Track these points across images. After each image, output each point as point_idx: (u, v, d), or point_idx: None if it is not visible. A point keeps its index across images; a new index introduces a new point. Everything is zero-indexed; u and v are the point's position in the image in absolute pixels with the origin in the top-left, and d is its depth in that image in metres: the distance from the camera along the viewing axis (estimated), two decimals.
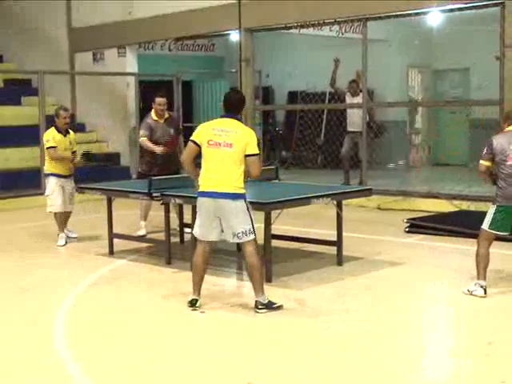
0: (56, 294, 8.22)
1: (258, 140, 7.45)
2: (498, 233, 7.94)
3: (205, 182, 7.25)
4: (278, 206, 8.36)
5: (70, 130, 11.41)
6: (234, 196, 7.13)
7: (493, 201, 8.02)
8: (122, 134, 18.24)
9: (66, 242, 11.04)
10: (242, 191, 7.18)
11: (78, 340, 6.66)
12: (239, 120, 7.38)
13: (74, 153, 11.32)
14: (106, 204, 10.21)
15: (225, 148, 7.12)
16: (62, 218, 11.17)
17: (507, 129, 7.92)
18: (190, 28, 17.06)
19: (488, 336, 6.51)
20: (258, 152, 7.21)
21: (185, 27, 17.07)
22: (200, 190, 7.30)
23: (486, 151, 7.87)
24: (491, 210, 7.95)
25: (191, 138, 7.37)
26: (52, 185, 11.07)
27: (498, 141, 7.81)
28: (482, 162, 7.93)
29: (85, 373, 5.82)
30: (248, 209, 7.23)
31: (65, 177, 11.16)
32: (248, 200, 7.36)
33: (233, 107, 7.39)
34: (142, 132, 11.30)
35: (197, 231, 7.44)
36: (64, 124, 11.16)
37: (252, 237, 7.26)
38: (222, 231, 7.32)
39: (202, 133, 7.31)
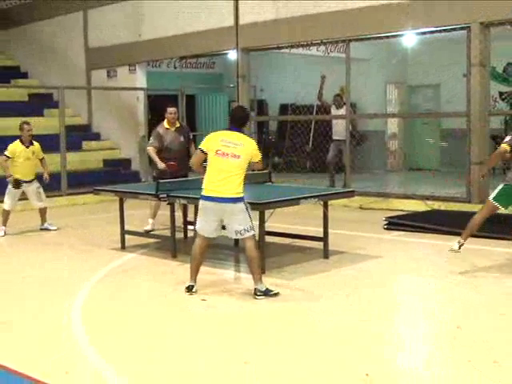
0: (73, 283, 8.16)
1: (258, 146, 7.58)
2: (498, 205, 8.13)
3: (208, 186, 7.30)
4: (270, 206, 8.35)
5: (35, 142, 11.77)
6: (235, 200, 7.20)
7: (503, 180, 8.17)
8: (132, 141, 18.20)
9: (5, 233, 11.51)
10: (242, 195, 7.26)
11: (93, 324, 6.61)
12: (243, 133, 7.45)
13: (42, 159, 11.80)
14: (119, 204, 10.18)
15: (233, 158, 7.20)
16: (6, 216, 11.61)
17: None
18: (192, 48, 17.06)
19: (457, 321, 6.49)
20: (260, 156, 7.45)
21: (188, 47, 17.08)
22: (203, 193, 7.35)
23: (510, 138, 7.96)
24: (500, 186, 8.14)
25: (199, 146, 7.48)
26: (9, 186, 11.57)
27: None
28: (504, 145, 7.94)
29: (99, 354, 5.77)
30: (247, 209, 7.29)
31: (25, 181, 11.59)
32: (246, 201, 7.42)
33: (238, 121, 7.47)
34: (151, 140, 11.29)
35: (198, 226, 7.52)
36: (28, 136, 11.64)
37: (252, 233, 7.34)
38: (223, 229, 7.45)
39: (210, 142, 7.37)
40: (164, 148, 11.10)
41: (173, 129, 11.23)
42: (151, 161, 11.51)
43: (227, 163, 7.20)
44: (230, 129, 7.47)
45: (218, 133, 7.51)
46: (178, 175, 10.53)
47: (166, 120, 11.29)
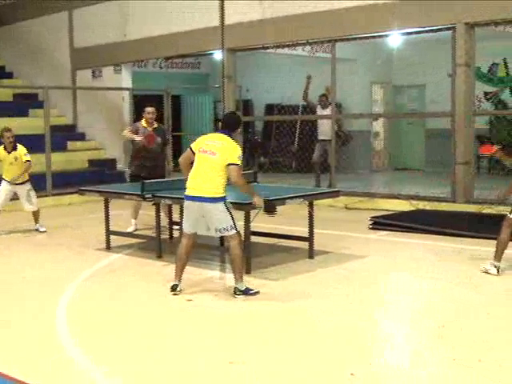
0: (59, 284, 8.11)
1: (242, 151, 7.53)
2: None
3: (189, 184, 7.44)
4: (256, 206, 8.34)
5: (20, 146, 11.75)
6: (214, 199, 7.28)
7: None
8: (117, 142, 18.12)
9: None
10: (222, 195, 7.32)
11: (78, 325, 6.57)
12: (229, 136, 7.47)
13: (28, 161, 11.66)
14: (104, 204, 10.14)
15: (209, 155, 7.30)
16: None
17: None
18: (178, 48, 17.02)
19: (441, 320, 6.50)
20: (237, 163, 7.27)
21: (174, 47, 17.04)
22: (186, 193, 7.47)
23: None
24: None
25: (190, 145, 7.63)
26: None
27: None
28: None
29: (85, 355, 5.75)
30: (228, 209, 7.35)
31: (14, 184, 11.67)
32: (230, 201, 7.51)
33: (227, 126, 7.59)
34: (127, 128, 11.36)
35: (183, 225, 7.64)
36: (9, 143, 11.61)
37: (233, 232, 7.38)
38: (208, 228, 7.50)
39: (198, 143, 7.54)
40: (140, 147, 11.09)
41: (150, 129, 11.22)
42: (131, 160, 11.50)
43: (206, 160, 7.33)
44: (219, 131, 7.59)
45: (207, 135, 7.73)
46: (154, 175, 10.56)
47: (143, 119, 11.28)
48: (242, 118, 16.79)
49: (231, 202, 7.83)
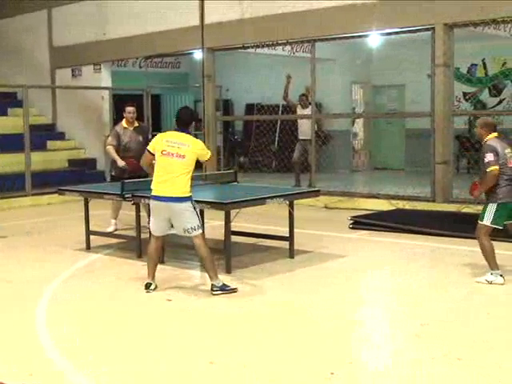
0: (38, 284, 8.06)
1: (207, 145, 7.72)
2: (497, 226, 7.79)
3: (156, 186, 7.49)
4: (236, 206, 8.37)
5: None
6: (181, 199, 7.35)
7: (489, 200, 7.77)
8: (97, 141, 18.05)
9: None
10: (188, 194, 7.40)
11: (58, 326, 6.55)
12: (189, 133, 7.58)
13: None
14: (83, 204, 10.11)
15: (177, 158, 7.36)
16: None
17: (490, 137, 7.80)
18: (158, 47, 17.00)
19: (420, 319, 6.54)
20: (209, 155, 7.62)
21: (153, 47, 17.01)
22: (152, 194, 7.52)
23: (494, 158, 7.61)
24: (491, 207, 7.73)
25: (147, 147, 7.72)
26: None
27: (497, 146, 7.70)
28: (494, 167, 7.61)
29: (64, 356, 5.72)
30: (194, 208, 7.44)
31: None
32: (209, 200, 7.85)
33: (183, 122, 7.62)
34: (109, 140, 11.32)
35: (151, 227, 7.72)
36: None
37: (199, 231, 7.47)
38: (173, 227, 7.58)
39: (156, 144, 7.57)
40: (122, 147, 11.08)
41: (131, 128, 11.21)
42: (112, 161, 11.45)
43: (172, 163, 7.36)
44: (176, 130, 7.62)
45: (164, 134, 7.77)
46: (137, 175, 10.53)
47: (124, 119, 11.27)
48: (221, 119, 17.09)
49: (209, 202, 7.87)
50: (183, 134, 7.51)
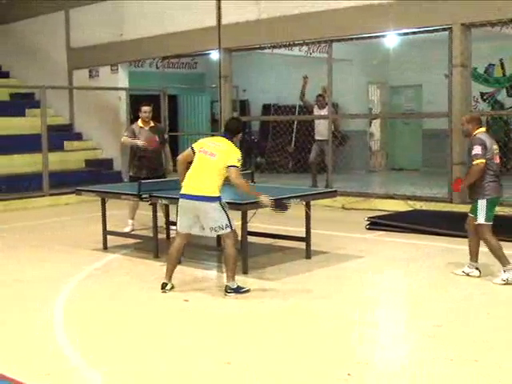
0: (55, 284, 8.11)
1: (242, 155, 7.62)
2: (491, 223, 7.81)
3: (186, 183, 7.52)
4: (253, 206, 8.34)
5: None
6: (209, 198, 7.36)
7: (478, 197, 7.78)
8: (114, 142, 18.09)
9: None
10: (217, 195, 7.40)
11: (75, 325, 6.59)
12: (232, 141, 7.61)
13: None
14: (100, 204, 10.15)
15: (209, 156, 7.43)
16: None
17: (479, 131, 7.80)
18: (174, 48, 17.03)
19: (440, 320, 6.52)
20: (236, 165, 7.39)
21: (170, 47, 17.04)
22: (181, 192, 7.55)
23: (481, 151, 7.61)
24: (481, 204, 7.75)
25: (192, 144, 7.77)
26: None
27: (486, 140, 7.70)
28: (481, 160, 7.61)
29: (82, 356, 5.75)
30: (223, 208, 7.43)
31: None
32: (227, 201, 7.63)
33: (229, 130, 7.75)
34: (124, 134, 11.36)
35: (178, 224, 7.71)
36: None
37: (228, 230, 7.46)
38: (203, 227, 7.57)
39: (200, 143, 7.70)
40: (137, 147, 11.10)
41: (147, 128, 11.24)
42: (130, 161, 11.48)
43: (205, 160, 7.44)
44: (222, 135, 7.80)
45: (211, 137, 7.95)
46: (154, 175, 10.58)
47: (140, 119, 11.30)
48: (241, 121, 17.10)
49: (228, 202, 7.87)
50: (223, 139, 7.63)
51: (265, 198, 7.63)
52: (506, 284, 7.69)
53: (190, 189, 7.43)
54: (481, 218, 7.79)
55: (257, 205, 7.91)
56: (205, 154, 7.46)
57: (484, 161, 7.64)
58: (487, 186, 7.73)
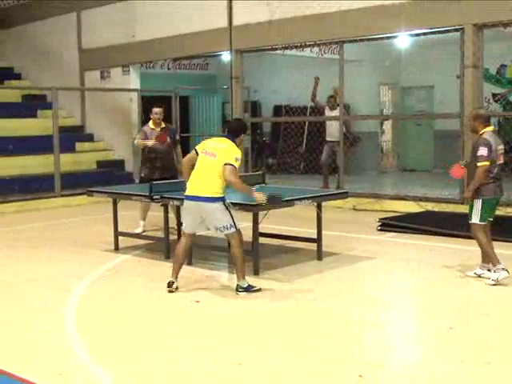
0: (67, 284, 8.14)
1: (242, 154, 7.74)
2: (486, 222, 7.83)
3: (190, 185, 7.62)
4: (264, 207, 8.34)
5: None
6: (213, 199, 7.45)
7: (475, 196, 7.76)
8: (125, 143, 18.16)
9: None
10: (220, 195, 7.48)
11: (87, 326, 6.61)
12: (233, 142, 7.63)
13: None
14: (112, 205, 10.17)
15: (210, 157, 7.51)
16: None
17: (486, 130, 7.77)
18: (186, 49, 17.05)
19: (450, 321, 6.50)
20: (232, 163, 7.40)
21: (182, 49, 17.06)
22: (186, 193, 7.67)
23: (487, 153, 7.59)
24: (477, 204, 7.76)
25: (196, 146, 7.82)
26: None
27: (492, 141, 7.67)
28: (485, 163, 7.60)
29: (93, 356, 5.77)
30: (227, 208, 7.52)
31: None
32: (238, 202, 7.83)
33: (230, 131, 7.81)
34: (137, 136, 11.43)
35: (183, 225, 7.83)
36: None
37: (232, 230, 7.54)
38: (208, 228, 7.78)
39: (203, 144, 7.75)
40: (148, 148, 11.14)
41: (158, 129, 11.27)
42: (142, 162, 11.50)
43: (207, 161, 7.52)
44: (224, 136, 7.83)
45: (213, 138, 7.92)
46: (166, 177, 10.60)
47: (151, 120, 11.33)
48: (249, 121, 17.09)
49: (238, 204, 7.91)
50: (225, 139, 7.68)
51: (259, 195, 7.66)
52: (496, 284, 7.70)
53: (194, 190, 7.53)
54: (474, 218, 7.84)
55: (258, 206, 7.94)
56: (206, 155, 7.53)
57: (489, 163, 7.64)
58: (483, 187, 7.73)
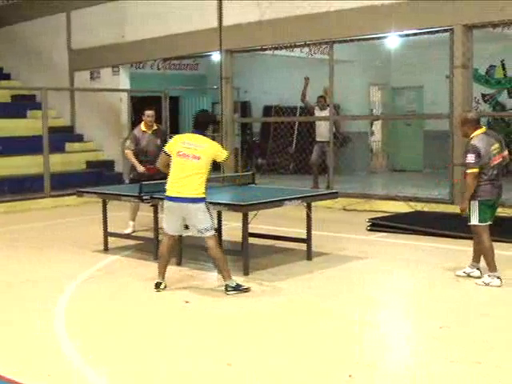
0: (56, 285, 8.11)
1: (222, 145, 7.83)
2: (486, 223, 7.75)
3: (171, 187, 7.60)
4: (254, 208, 8.35)
5: None
6: (195, 200, 7.45)
7: (471, 198, 7.70)
8: (115, 143, 18.11)
9: None
10: (202, 195, 7.50)
11: (76, 326, 6.58)
12: (205, 135, 7.68)
13: None
14: (102, 206, 10.15)
15: (192, 159, 7.46)
16: None
17: (476, 133, 7.70)
18: (176, 49, 17.03)
19: (441, 320, 6.51)
20: (226, 154, 7.70)
21: (172, 49, 17.04)
22: (166, 194, 7.65)
23: (474, 160, 7.53)
24: (474, 206, 7.69)
25: (164, 148, 7.82)
26: None
27: (481, 146, 7.59)
28: (473, 170, 7.55)
29: (83, 357, 5.75)
30: (208, 209, 7.55)
31: None
32: (226, 202, 7.99)
33: (200, 125, 7.75)
34: (127, 144, 11.43)
35: (164, 226, 7.81)
36: None
37: (212, 232, 7.58)
38: (187, 228, 7.82)
39: (173, 145, 7.69)
40: (140, 150, 11.15)
41: (150, 131, 11.30)
42: (130, 164, 11.50)
43: (188, 164, 7.47)
44: (193, 132, 7.74)
45: (181, 135, 7.91)
46: (156, 177, 10.57)
47: (143, 123, 11.34)
48: (239, 121, 17.08)
49: (227, 204, 7.91)
50: (200, 136, 7.63)
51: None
52: (486, 286, 7.69)
53: (176, 191, 7.51)
54: (473, 220, 7.78)
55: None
56: (186, 158, 7.47)
57: (477, 170, 7.57)
58: (478, 189, 7.67)
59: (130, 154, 11.24)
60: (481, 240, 7.80)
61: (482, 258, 8.02)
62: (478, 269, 8.01)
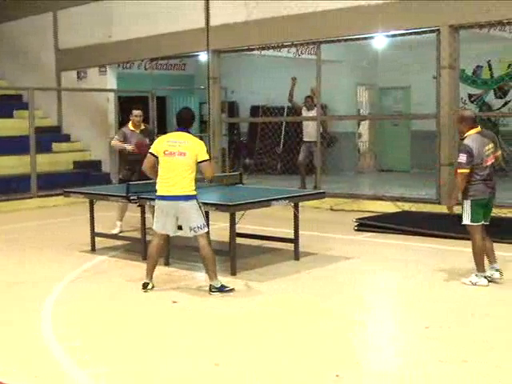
0: (43, 286, 8.08)
1: (207, 148, 7.82)
2: (479, 223, 7.69)
3: (161, 186, 7.59)
4: (241, 208, 8.36)
5: None
6: (187, 197, 7.46)
7: (463, 197, 7.69)
8: (102, 143, 18.07)
9: None
10: (194, 193, 7.51)
11: (63, 328, 6.56)
12: (189, 133, 7.69)
13: None
14: (89, 206, 10.13)
15: (179, 156, 7.46)
16: None
17: (470, 133, 7.69)
18: (163, 49, 17.01)
19: (427, 320, 6.53)
20: (207, 158, 7.59)
21: (159, 49, 17.02)
22: (158, 194, 7.63)
23: (466, 160, 7.49)
24: (466, 205, 7.65)
25: (150, 150, 7.79)
26: None
27: (474, 146, 7.56)
28: (464, 170, 7.52)
29: (70, 357, 5.74)
30: (200, 207, 7.55)
31: None
32: (214, 202, 7.95)
33: (184, 122, 7.75)
34: (115, 137, 11.38)
35: (156, 226, 7.75)
36: None
37: (205, 230, 7.60)
38: (179, 227, 7.73)
39: (158, 145, 7.70)
40: (128, 151, 11.12)
41: (138, 131, 11.30)
42: (120, 163, 11.49)
43: (175, 162, 7.47)
44: (177, 130, 7.76)
45: (166, 135, 7.93)
46: (147, 178, 10.55)
47: (130, 122, 11.34)
48: (226, 121, 17.07)
49: (215, 204, 7.91)
50: (184, 133, 7.64)
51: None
52: (472, 285, 7.68)
53: (168, 190, 7.50)
54: (466, 219, 7.75)
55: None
56: (173, 156, 7.47)
57: (467, 170, 7.54)
58: (471, 188, 7.64)
59: (116, 142, 11.26)
60: (472, 239, 7.76)
61: (494, 257, 7.90)
62: (496, 270, 7.83)
